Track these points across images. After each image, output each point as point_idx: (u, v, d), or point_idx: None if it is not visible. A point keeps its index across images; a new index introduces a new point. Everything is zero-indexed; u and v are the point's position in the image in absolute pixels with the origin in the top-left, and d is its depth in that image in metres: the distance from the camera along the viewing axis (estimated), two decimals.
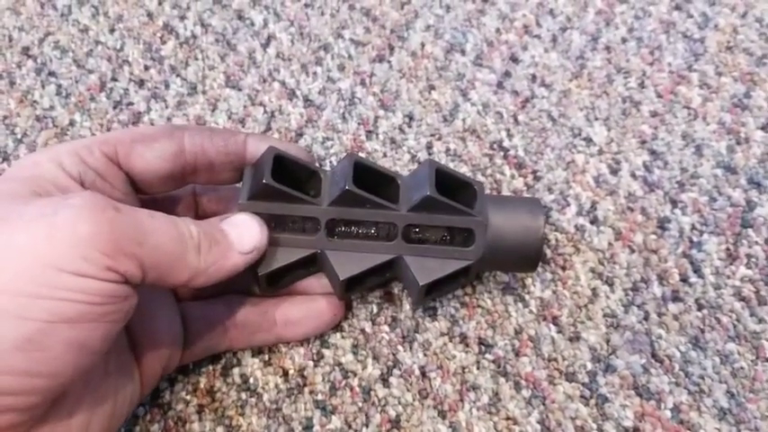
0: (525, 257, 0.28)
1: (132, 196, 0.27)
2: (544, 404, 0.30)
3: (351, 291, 0.29)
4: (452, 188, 0.28)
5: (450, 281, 0.28)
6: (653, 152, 0.36)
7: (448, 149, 0.36)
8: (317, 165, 0.30)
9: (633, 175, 0.35)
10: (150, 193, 0.28)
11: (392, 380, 0.31)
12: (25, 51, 0.41)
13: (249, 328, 0.30)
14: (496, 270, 0.32)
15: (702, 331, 0.31)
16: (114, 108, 0.39)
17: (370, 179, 0.27)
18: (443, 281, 0.28)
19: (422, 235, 0.28)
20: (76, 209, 0.20)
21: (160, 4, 0.42)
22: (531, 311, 0.32)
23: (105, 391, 0.25)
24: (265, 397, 0.31)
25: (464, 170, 0.36)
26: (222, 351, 0.31)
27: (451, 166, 0.36)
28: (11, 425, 0.20)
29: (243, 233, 0.25)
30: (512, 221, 0.28)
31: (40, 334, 0.19)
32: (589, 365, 0.31)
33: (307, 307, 0.31)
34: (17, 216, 0.20)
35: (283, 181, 0.26)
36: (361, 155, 0.36)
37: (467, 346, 0.32)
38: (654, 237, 0.33)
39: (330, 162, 0.36)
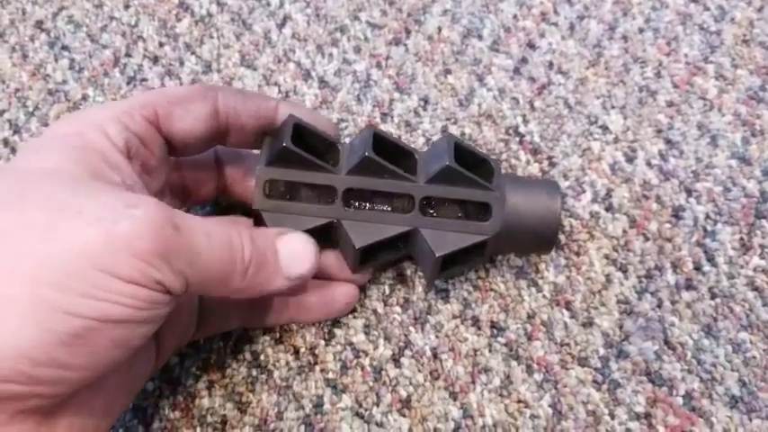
0: (542, 237, 0.28)
1: (166, 161, 0.27)
2: (556, 388, 0.30)
3: (365, 263, 0.29)
4: (470, 164, 0.27)
5: (466, 258, 0.28)
6: (668, 141, 0.36)
7: (463, 134, 0.36)
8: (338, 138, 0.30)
9: (649, 164, 0.35)
10: (182, 155, 0.28)
11: (403, 360, 0.31)
12: (39, 25, 0.41)
13: (261, 309, 0.30)
14: (511, 251, 0.32)
15: (715, 320, 0.31)
16: (128, 84, 0.39)
17: (388, 152, 0.27)
18: (459, 255, 0.28)
19: (439, 209, 0.28)
20: (138, 222, 0.20)
21: None
22: (544, 296, 0.32)
23: (127, 372, 0.25)
24: (276, 374, 0.31)
25: None
26: (233, 329, 0.31)
27: None
28: (33, 409, 0.20)
29: (294, 258, 0.25)
30: (529, 200, 0.28)
31: (87, 331, 0.19)
32: (602, 351, 0.31)
33: (321, 293, 0.30)
34: (75, 213, 0.20)
35: (302, 149, 0.26)
36: None
37: (479, 329, 0.31)
38: (668, 225, 0.33)
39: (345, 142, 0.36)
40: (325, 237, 0.28)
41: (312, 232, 0.27)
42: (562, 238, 0.33)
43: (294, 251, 0.25)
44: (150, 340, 0.26)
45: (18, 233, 0.19)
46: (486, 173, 0.28)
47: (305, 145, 0.27)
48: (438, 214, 0.28)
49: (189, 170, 0.30)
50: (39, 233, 0.19)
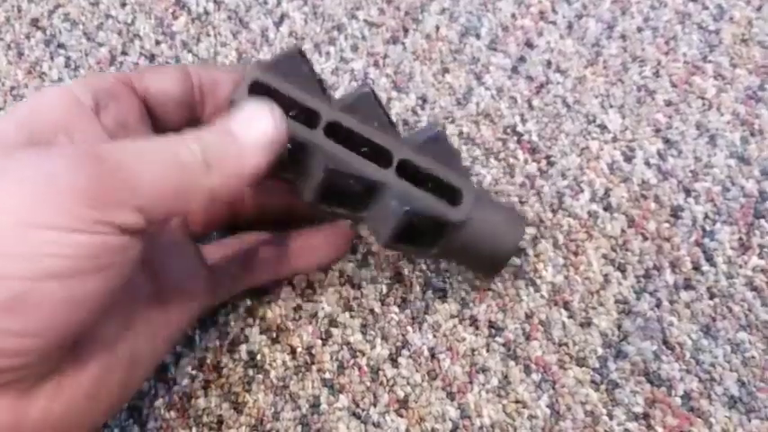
0: (490, 263, 0.28)
1: (146, 121, 0.26)
2: (554, 388, 0.30)
3: (323, 200, 0.26)
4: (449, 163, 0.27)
5: (423, 238, 0.27)
6: (667, 141, 0.35)
7: (461, 132, 0.36)
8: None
9: (647, 163, 0.35)
10: (162, 124, 0.26)
11: (401, 360, 0.31)
12: (34, 23, 0.41)
13: (267, 263, 0.30)
14: (453, 260, 0.31)
15: (714, 320, 0.31)
16: None
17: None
18: (418, 231, 0.27)
19: (413, 178, 0.27)
20: (56, 164, 0.19)
21: None
22: (542, 296, 0.32)
23: (122, 347, 0.23)
24: (272, 374, 0.30)
25: (477, 154, 0.35)
26: (243, 289, 0.31)
27: (464, 149, 0.36)
28: (9, 382, 0.20)
29: (253, 126, 0.22)
30: (495, 221, 0.28)
31: (25, 293, 0.18)
32: (600, 351, 0.31)
33: (322, 234, 0.31)
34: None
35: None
36: None
37: (477, 328, 0.31)
38: (667, 225, 0.33)
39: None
40: (294, 163, 0.26)
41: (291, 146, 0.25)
42: (560, 237, 0.33)
43: (249, 119, 0.22)
44: (152, 314, 0.25)
45: None
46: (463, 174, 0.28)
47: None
48: (415, 179, 0.27)
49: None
50: None
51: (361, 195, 0.27)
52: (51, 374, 0.21)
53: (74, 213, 0.18)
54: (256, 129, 0.22)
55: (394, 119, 0.37)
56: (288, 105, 0.25)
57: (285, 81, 0.25)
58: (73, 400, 0.22)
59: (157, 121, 0.26)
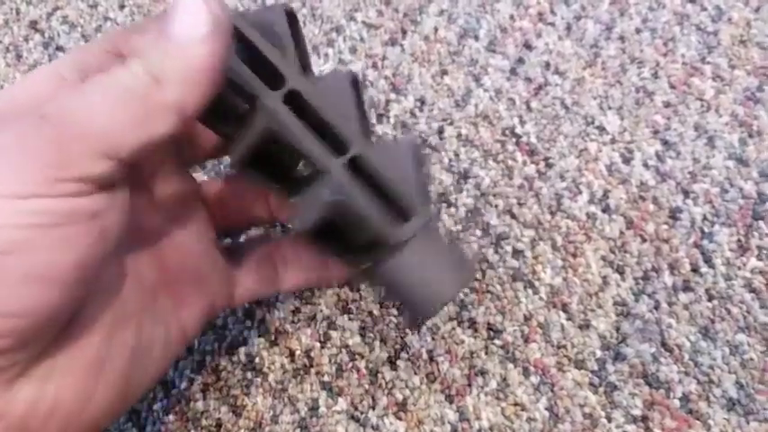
0: (425, 300, 0.24)
1: None
2: (552, 391, 0.30)
3: (252, 165, 0.23)
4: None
5: (358, 250, 0.24)
6: (665, 142, 0.35)
7: (459, 134, 0.36)
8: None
9: (645, 165, 0.35)
10: None
11: (399, 363, 0.31)
12: (33, 25, 0.41)
13: (297, 267, 0.28)
14: (387, 291, 0.26)
15: (712, 321, 0.31)
16: None
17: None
18: (356, 235, 0.23)
19: (366, 180, 0.23)
20: (4, 138, 0.18)
21: None
22: (540, 298, 0.32)
23: (123, 334, 0.22)
24: (271, 377, 0.30)
25: (475, 155, 0.35)
26: (272, 293, 0.29)
27: (463, 151, 0.36)
28: None
29: (190, 19, 0.19)
30: (441, 256, 0.24)
31: None
32: (598, 353, 0.31)
33: None
34: None
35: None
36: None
37: (475, 331, 0.31)
38: (665, 226, 0.33)
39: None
40: (237, 119, 0.23)
41: (238, 89, 0.22)
42: (559, 239, 0.33)
43: (184, 13, 0.19)
44: (163, 304, 0.24)
45: None
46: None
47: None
48: (368, 180, 0.23)
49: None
50: None
51: (299, 180, 0.24)
52: (38, 363, 0.20)
53: (30, 179, 0.17)
54: (197, 18, 0.19)
55: (392, 120, 0.37)
56: (257, 62, 0.22)
57: (262, 36, 0.22)
58: (64, 389, 0.20)
59: None
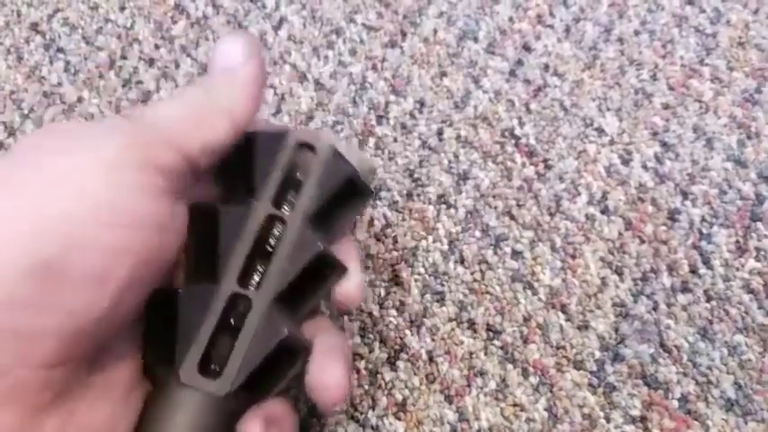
0: None
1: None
2: (552, 391, 0.30)
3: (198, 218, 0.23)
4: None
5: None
6: (664, 144, 0.36)
7: (459, 136, 0.36)
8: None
9: (644, 166, 0.35)
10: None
11: (399, 364, 0.31)
12: (34, 27, 0.41)
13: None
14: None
15: (711, 322, 0.31)
16: (123, 86, 0.39)
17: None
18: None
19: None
20: (101, 135, 0.20)
21: None
22: (539, 299, 0.32)
23: (135, 395, 0.22)
24: None
25: (475, 157, 0.36)
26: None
27: (462, 152, 0.36)
28: (25, 391, 0.18)
29: (229, 51, 0.23)
30: None
31: (60, 258, 0.18)
32: (597, 354, 0.31)
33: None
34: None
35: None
36: (369, 152, 0.36)
37: (475, 331, 0.31)
38: (664, 228, 0.33)
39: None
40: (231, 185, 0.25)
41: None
42: (558, 240, 0.33)
43: (224, 51, 0.24)
44: None
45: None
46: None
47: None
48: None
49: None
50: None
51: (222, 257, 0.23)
52: (68, 393, 0.19)
53: (120, 155, 0.19)
54: (231, 52, 0.24)
55: (392, 122, 0.37)
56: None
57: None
58: (88, 427, 0.20)
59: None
